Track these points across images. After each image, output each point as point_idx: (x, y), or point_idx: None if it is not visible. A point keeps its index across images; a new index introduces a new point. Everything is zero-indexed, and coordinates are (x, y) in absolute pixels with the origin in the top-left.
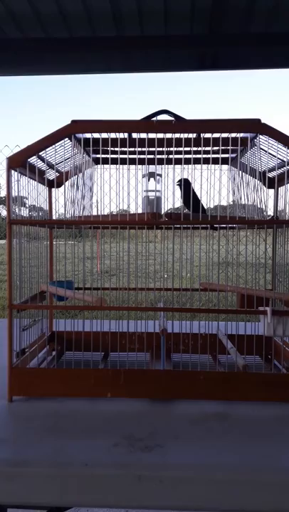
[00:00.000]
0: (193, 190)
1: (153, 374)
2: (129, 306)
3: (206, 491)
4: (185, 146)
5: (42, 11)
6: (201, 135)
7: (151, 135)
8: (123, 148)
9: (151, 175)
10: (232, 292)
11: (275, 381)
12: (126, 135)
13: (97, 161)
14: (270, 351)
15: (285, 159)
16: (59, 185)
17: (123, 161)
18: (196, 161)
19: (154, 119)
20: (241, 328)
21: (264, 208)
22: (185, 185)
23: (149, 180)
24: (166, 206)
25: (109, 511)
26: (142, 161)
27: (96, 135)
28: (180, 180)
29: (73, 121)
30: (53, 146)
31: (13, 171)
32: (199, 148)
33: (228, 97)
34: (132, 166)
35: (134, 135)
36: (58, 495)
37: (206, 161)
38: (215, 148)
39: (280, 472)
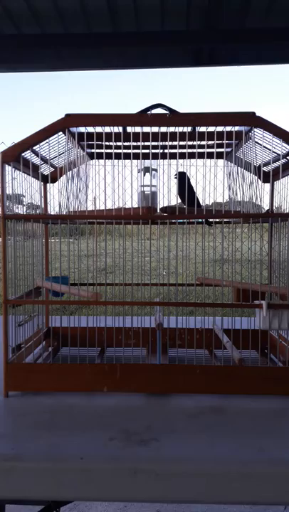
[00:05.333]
0: (189, 183)
1: (149, 368)
2: (124, 301)
3: (202, 485)
4: (180, 140)
5: (38, 8)
6: (196, 129)
7: (146, 129)
8: (118, 143)
9: (147, 169)
10: (228, 287)
11: (271, 375)
12: (120, 129)
13: (91, 156)
14: (266, 345)
15: (280, 153)
16: (54, 181)
17: (118, 156)
18: (192, 156)
19: (149, 112)
20: (237, 323)
21: (259, 201)
22: (180, 178)
23: (144, 175)
24: (163, 203)
25: (108, 505)
26: (136, 156)
27: (90, 129)
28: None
29: (67, 115)
30: (47, 140)
31: (6, 166)
32: (194, 143)
33: (225, 91)
34: (128, 162)
35: (129, 129)
36: (55, 489)
37: (202, 155)
38: (210, 142)
39: (276, 465)
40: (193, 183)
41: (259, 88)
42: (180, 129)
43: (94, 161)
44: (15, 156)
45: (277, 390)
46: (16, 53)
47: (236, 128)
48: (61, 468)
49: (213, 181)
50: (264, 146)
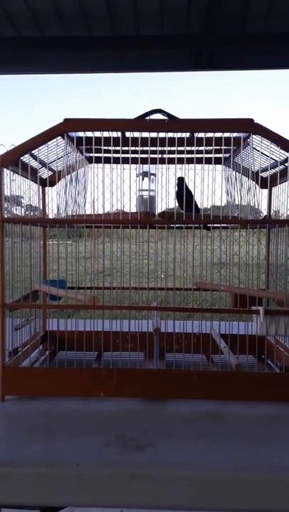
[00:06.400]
0: (187, 188)
1: (146, 373)
2: (122, 305)
3: (198, 491)
4: (179, 146)
5: (38, 10)
6: (194, 134)
7: (145, 134)
8: (116, 147)
9: (145, 174)
10: (226, 292)
11: (268, 380)
12: (119, 134)
13: (90, 160)
14: (263, 350)
15: (277, 159)
16: (52, 184)
17: (116, 160)
18: (190, 161)
19: (147, 118)
20: (235, 328)
21: (257, 207)
22: (178, 183)
23: (143, 179)
24: (161, 207)
25: (103, 511)
26: (135, 161)
27: (89, 134)
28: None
29: (66, 120)
30: (46, 144)
31: (5, 169)
32: (193, 148)
33: (224, 95)
34: (127, 166)
35: (128, 134)
36: (50, 495)
37: (200, 161)
38: (208, 148)
39: (272, 471)
40: (191, 187)
41: (258, 94)
42: (178, 134)
43: (92, 165)
44: (14, 159)
45: (274, 395)
46: (15, 55)
47: (234, 134)
48: (57, 474)
49: (211, 185)
50: (262, 153)
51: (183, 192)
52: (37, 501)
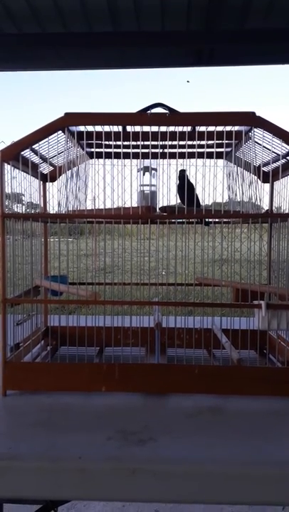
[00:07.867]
0: (188, 182)
1: (147, 368)
2: (123, 300)
3: (199, 485)
4: (180, 140)
5: (38, 7)
6: (196, 128)
7: (146, 128)
8: (117, 142)
9: (146, 169)
10: (227, 287)
11: (270, 375)
12: (120, 128)
13: (91, 155)
14: (264, 345)
15: (279, 153)
16: (53, 180)
17: (117, 155)
18: (191, 155)
19: (148, 112)
20: (236, 323)
21: (259, 202)
22: (180, 177)
23: (144, 174)
24: (163, 202)
25: (106, 505)
26: (136, 155)
27: (90, 128)
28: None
29: (66, 114)
30: (47, 139)
31: (6, 165)
32: (194, 142)
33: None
34: (128, 161)
35: (129, 128)
36: (52, 489)
37: (201, 155)
38: (210, 142)
39: (273, 466)
40: (192, 182)
41: (260, 89)
42: (180, 128)
43: (93, 160)
44: (14, 154)
45: (275, 390)
46: (16, 52)
47: (236, 128)
48: (59, 468)
49: (212, 181)
50: (264, 146)
51: (184, 184)
52: (39, 495)
